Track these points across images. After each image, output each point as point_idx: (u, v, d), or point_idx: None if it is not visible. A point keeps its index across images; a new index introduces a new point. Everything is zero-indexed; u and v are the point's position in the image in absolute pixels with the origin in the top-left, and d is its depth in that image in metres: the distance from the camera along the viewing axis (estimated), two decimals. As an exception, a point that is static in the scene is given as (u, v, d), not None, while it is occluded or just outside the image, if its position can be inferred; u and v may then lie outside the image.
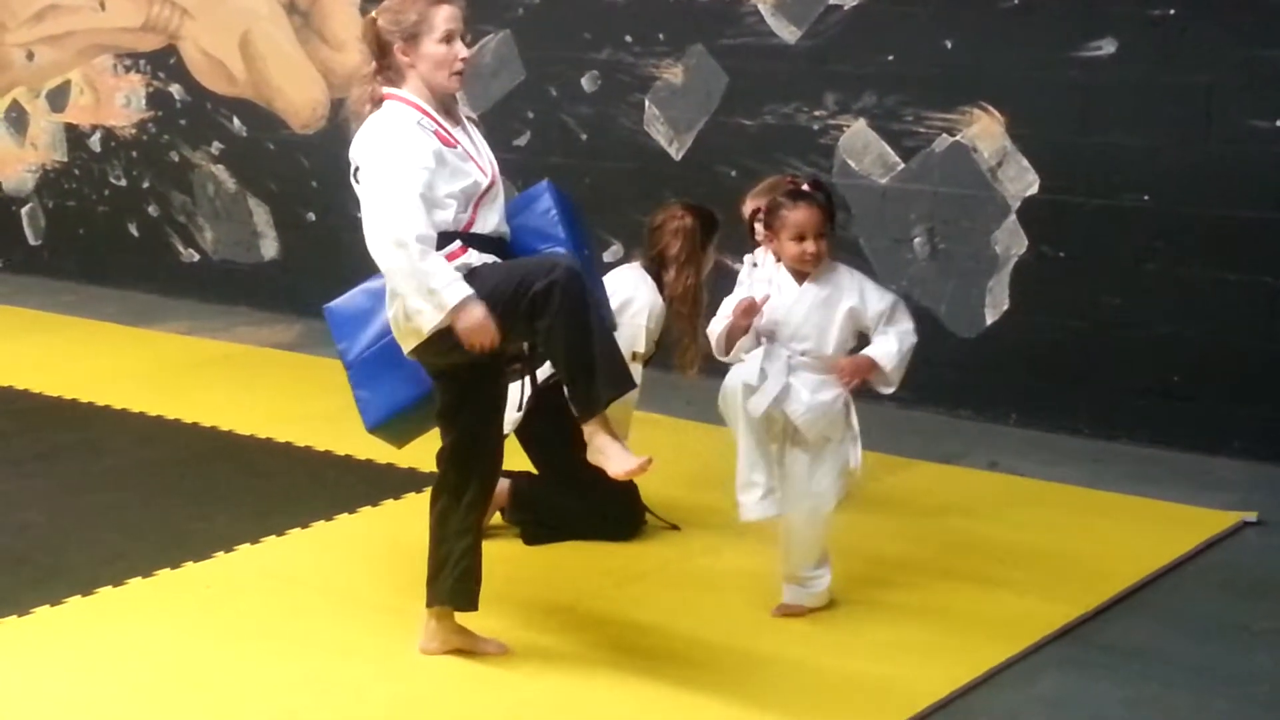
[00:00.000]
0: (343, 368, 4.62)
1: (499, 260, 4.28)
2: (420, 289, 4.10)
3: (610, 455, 4.15)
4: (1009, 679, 4.36)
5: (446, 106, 4.32)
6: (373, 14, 4.30)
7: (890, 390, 4.65)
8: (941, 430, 6.61)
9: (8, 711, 4.20)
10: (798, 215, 4.53)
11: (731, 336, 4.58)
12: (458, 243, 4.24)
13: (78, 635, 4.64)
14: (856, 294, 4.59)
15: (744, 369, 4.56)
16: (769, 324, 4.57)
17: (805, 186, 4.62)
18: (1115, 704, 4.21)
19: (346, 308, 4.64)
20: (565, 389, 4.21)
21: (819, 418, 4.56)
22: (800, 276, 4.59)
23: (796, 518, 4.65)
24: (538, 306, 4.08)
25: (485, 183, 4.29)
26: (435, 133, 4.23)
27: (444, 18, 4.24)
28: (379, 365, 4.46)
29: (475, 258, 4.24)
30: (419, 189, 4.14)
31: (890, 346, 4.57)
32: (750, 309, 4.52)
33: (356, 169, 4.27)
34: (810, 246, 4.53)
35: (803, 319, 4.56)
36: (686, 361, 5.38)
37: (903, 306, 4.66)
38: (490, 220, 4.34)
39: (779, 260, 4.63)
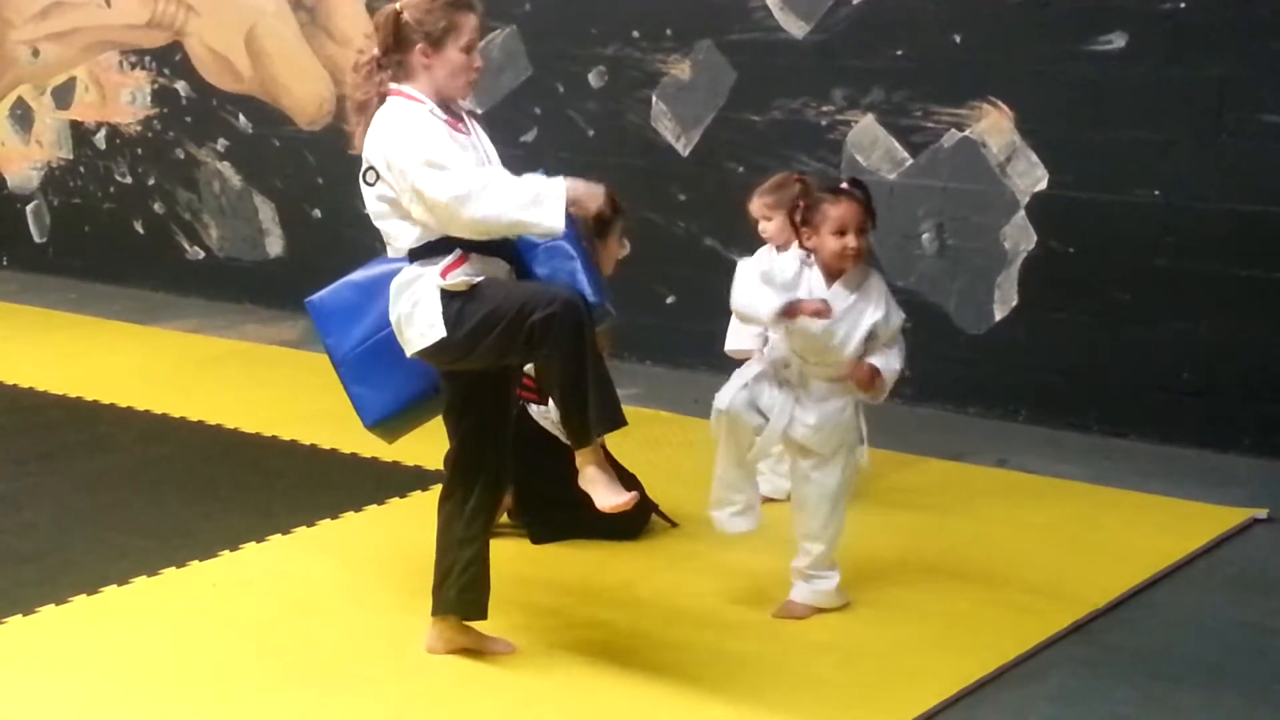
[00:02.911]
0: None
1: (498, 277, 4.23)
2: (521, 202, 4.05)
3: (598, 488, 4.18)
4: (1017, 677, 4.34)
5: (447, 104, 4.30)
6: (397, 6, 4.24)
7: (875, 402, 4.60)
8: (950, 427, 6.59)
9: (13, 711, 4.19)
10: (840, 210, 4.47)
11: (787, 313, 4.41)
12: (457, 251, 4.19)
13: (83, 634, 4.63)
14: (883, 309, 4.53)
15: (739, 393, 4.56)
16: (797, 325, 4.52)
17: (845, 183, 4.58)
18: (1125, 702, 4.19)
19: (332, 301, 4.55)
20: (559, 416, 4.24)
21: (830, 432, 4.56)
22: (831, 278, 4.54)
23: (813, 521, 4.65)
24: (536, 337, 4.08)
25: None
26: (446, 122, 4.22)
27: (471, 27, 4.23)
28: (375, 361, 4.40)
29: (474, 266, 4.21)
30: (451, 154, 4.11)
31: (895, 364, 4.54)
32: (821, 312, 4.42)
33: (369, 168, 4.22)
34: (852, 241, 4.47)
35: (829, 323, 4.50)
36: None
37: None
38: None
39: (809, 253, 4.54)
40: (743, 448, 4.65)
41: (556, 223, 4.08)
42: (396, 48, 4.25)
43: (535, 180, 4.12)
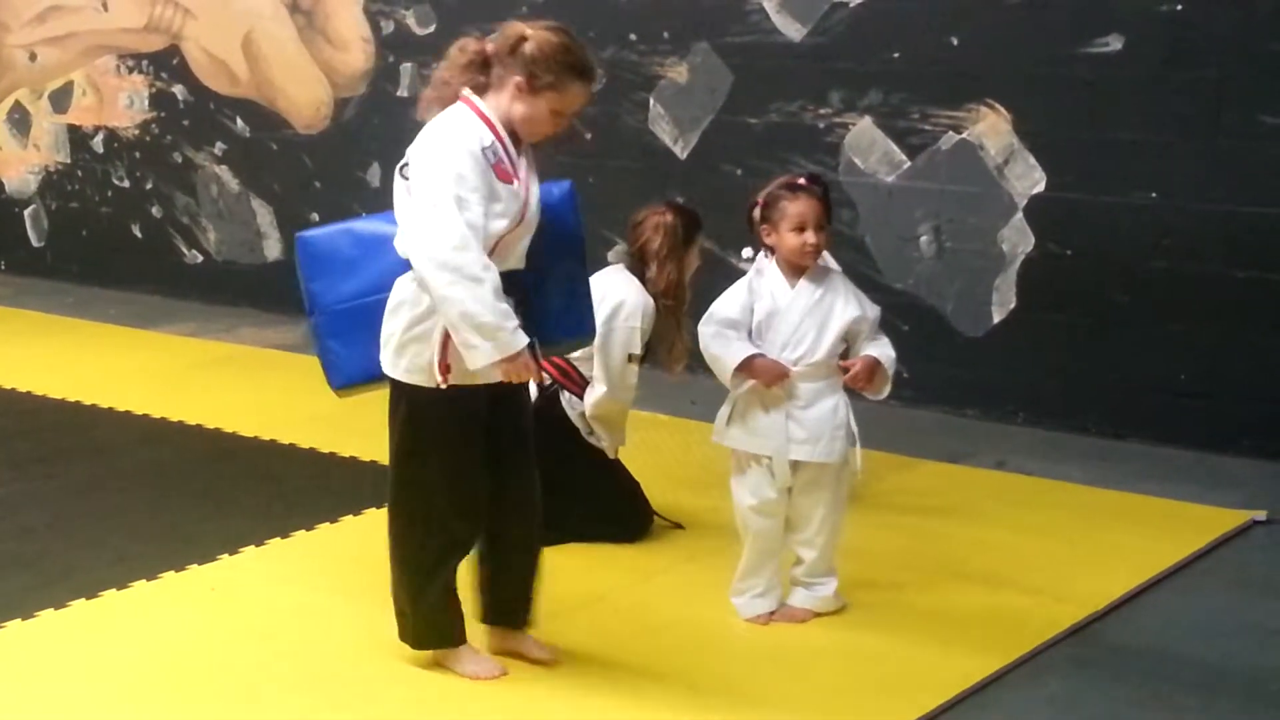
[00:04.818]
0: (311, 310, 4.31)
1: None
2: (476, 325, 3.89)
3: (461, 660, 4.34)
4: (1017, 679, 4.34)
5: (515, 134, 4.16)
6: (526, 31, 4.07)
7: (880, 398, 4.60)
8: (948, 429, 6.59)
9: (13, 715, 4.18)
10: (798, 206, 4.47)
11: (745, 369, 4.50)
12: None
13: (82, 638, 4.62)
14: (855, 302, 4.53)
15: (754, 487, 4.58)
16: (762, 325, 4.52)
17: (802, 179, 4.58)
18: (1124, 704, 4.19)
19: (326, 244, 4.30)
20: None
21: (828, 439, 4.53)
22: (794, 276, 4.55)
23: (808, 527, 4.64)
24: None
25: (518, 220, 4.10)
26: (496, 165, 4.04)
27: (573, 96, 4.11)
28: (359, 322, 4.16)
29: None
30: (473, 216, 3.93)
31: (890, 352, 4.54)
32: (783, 376, 4.48)
33: (406, 164, 4.06)
34: (811, 237, 4.47)
35: (797, 322, 4.50)
36: (674, 358, 5.33)
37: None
38: (513, 254, 4.13)
39: (771, 254, 4.57)
40: (779, 537, 4.67)
41: (476, 363, 3.92)
42: (500, 62, 4.09)
43: (502, 324, 3.89)
